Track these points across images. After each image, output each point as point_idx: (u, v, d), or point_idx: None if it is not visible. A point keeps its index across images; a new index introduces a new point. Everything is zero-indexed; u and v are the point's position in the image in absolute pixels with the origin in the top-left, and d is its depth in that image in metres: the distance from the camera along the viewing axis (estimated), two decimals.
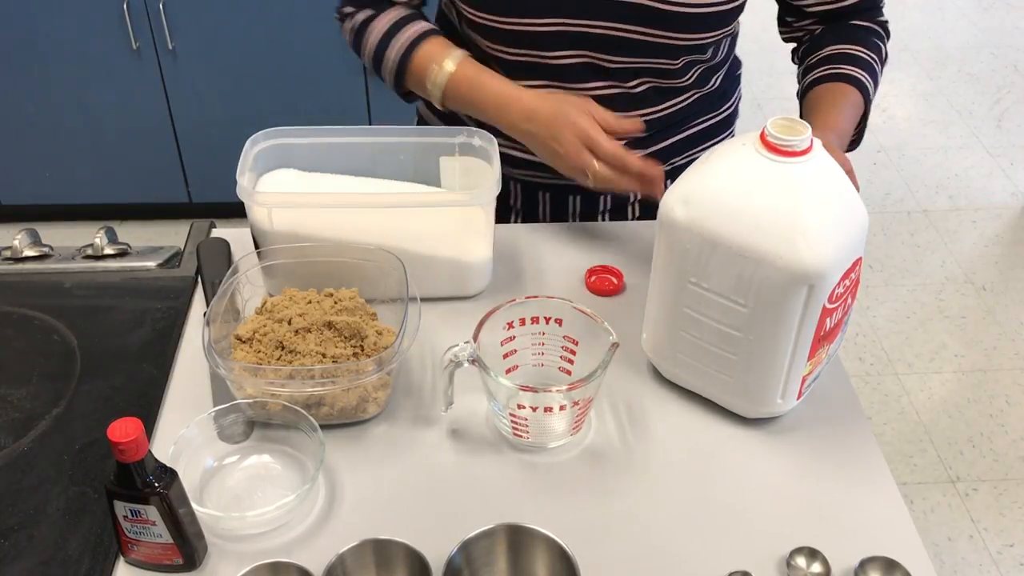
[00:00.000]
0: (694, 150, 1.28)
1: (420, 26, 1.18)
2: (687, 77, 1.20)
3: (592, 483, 0.96)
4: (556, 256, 1.24)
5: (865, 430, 1.02)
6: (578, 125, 1.06)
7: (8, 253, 1.25)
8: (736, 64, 1.31)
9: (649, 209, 1.31)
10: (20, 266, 1.24)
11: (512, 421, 0.97)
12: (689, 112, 1.25)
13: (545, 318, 1.00)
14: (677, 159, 1.27)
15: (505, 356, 1.02)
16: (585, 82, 1.18)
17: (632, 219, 1.34)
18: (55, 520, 0.92)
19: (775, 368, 0.93)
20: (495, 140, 1.16)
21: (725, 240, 0.87)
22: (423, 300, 1.06)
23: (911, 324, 2.60)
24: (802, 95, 1.21)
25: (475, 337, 0.95)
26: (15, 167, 2.74)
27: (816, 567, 0.87)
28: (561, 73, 1.17)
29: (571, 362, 1.02)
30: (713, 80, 1.25)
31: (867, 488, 0.96)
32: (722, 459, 0.99)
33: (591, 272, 1.20)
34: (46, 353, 1.11)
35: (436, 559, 0.84)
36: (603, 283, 1.18)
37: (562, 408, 0.95)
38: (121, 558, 0.89)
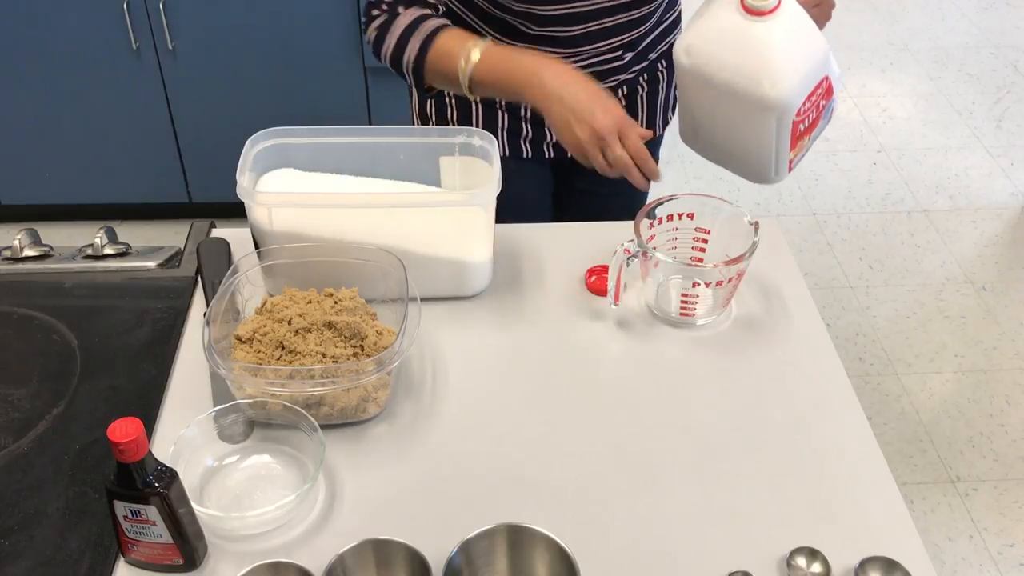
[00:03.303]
0: (660, 44, 1.42)
1: (438, 21, 1.21)
2: None
3: (592, 482, 0.96)
4: (556, 256, 1.24)
5: (865, 430, 1.02)
6: (615, 114, 1.13)
7: (8, 253, 1.25)
8: None
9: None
10: (20, 266, 1.24)
11: (683, 300, 1.14)
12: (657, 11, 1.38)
13: (679, 214, 1.16)
14: (651, 55, 1.42)
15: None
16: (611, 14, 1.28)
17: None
18: (55, 520, 0.92)
19: (766, 158, 1.19)
20: (495, 140, 1.16)
21: (715, 82, 1.14)
22: (423, 300, 1.06)
23: (911, 324, 2.60)
24: None
25: (636, 232, 1.11)
26: (15, 167, 2.74)
27: (816, 567, 0.87)
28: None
29: (703, 250, 1.17)
30: None
31: (867, 488, 0.96)
32: (722, 458, 0.99)
33: (591, 272, 1.20)
34: (46, 353, 1.11)
35: (436, 559, 0.84)
36: (603, 283, 1.18)
37: (719, 284, 1.11)
38: (121, 558, 0.89)
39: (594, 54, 1.33)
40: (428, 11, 1.22)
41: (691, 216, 1.17)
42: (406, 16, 1.20)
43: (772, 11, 1.10)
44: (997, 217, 2.99)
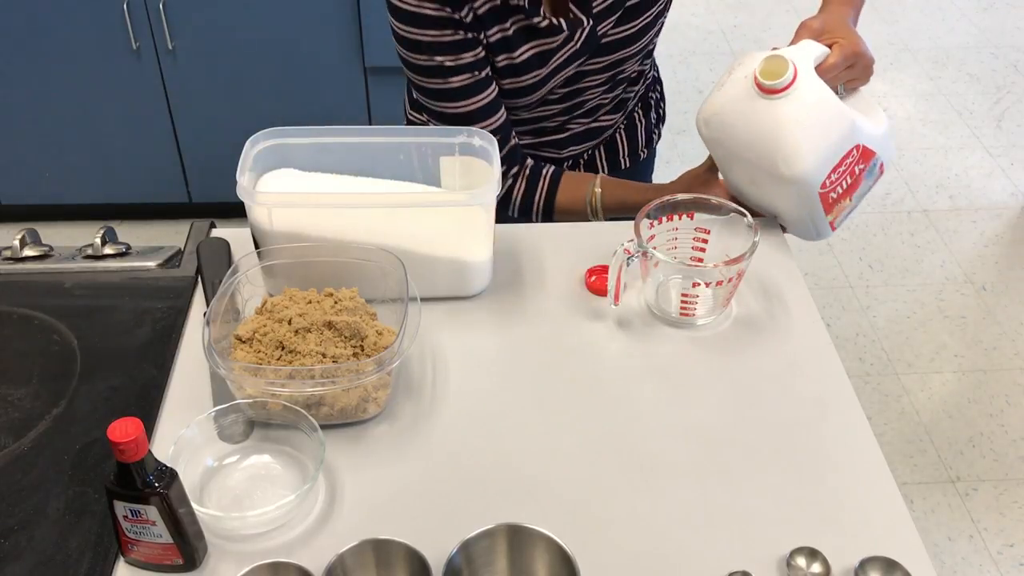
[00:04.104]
0: (632, 93, 1.47)
1: (545, 185, 1.35)
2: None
3: (592, 482, 0.96)
4: (556, 256, 1.24)
5: (865, 430, 1.02)
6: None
7: (8, 253, 1.25)
8: None
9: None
10: (20, 266, 1.24)
11: (683, 300, 1.13)
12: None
13: (679, 214, 1.16)
14: (629, 106, 1.49)
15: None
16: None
17: (623, 168, 1.54)
18: (55, 520, 0.92)
19: (802, 222, 1.22)
20: (495, 140, 1.16)
21: (734, 153, 1.17)
22: (423, 300, 1.06)
23: (911, 324, 2.60)
24: None
25: (636, 232, 1.10)
26: (15, 167, 2.74)
27: (816, 567, 0.87)
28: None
29: (703, 251, 1.17)
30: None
31: (867, 488, 0.96)
32: (722, 458, 0.99)
33: (591, 272, 1.20)
34: (46, 353, 1.11)
35: (436, 559, 0.84)
36: (603, 283, 1.18)
37: (719, 284, 1.10)
38: (121, 558, 0.89)
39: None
40: (531, 168, 1.33)
41: (691, 216, 1.17)
42: (520, 184, 1.34)
43: (785, 89, 1.08)
44: (997, 217, 2.99)
